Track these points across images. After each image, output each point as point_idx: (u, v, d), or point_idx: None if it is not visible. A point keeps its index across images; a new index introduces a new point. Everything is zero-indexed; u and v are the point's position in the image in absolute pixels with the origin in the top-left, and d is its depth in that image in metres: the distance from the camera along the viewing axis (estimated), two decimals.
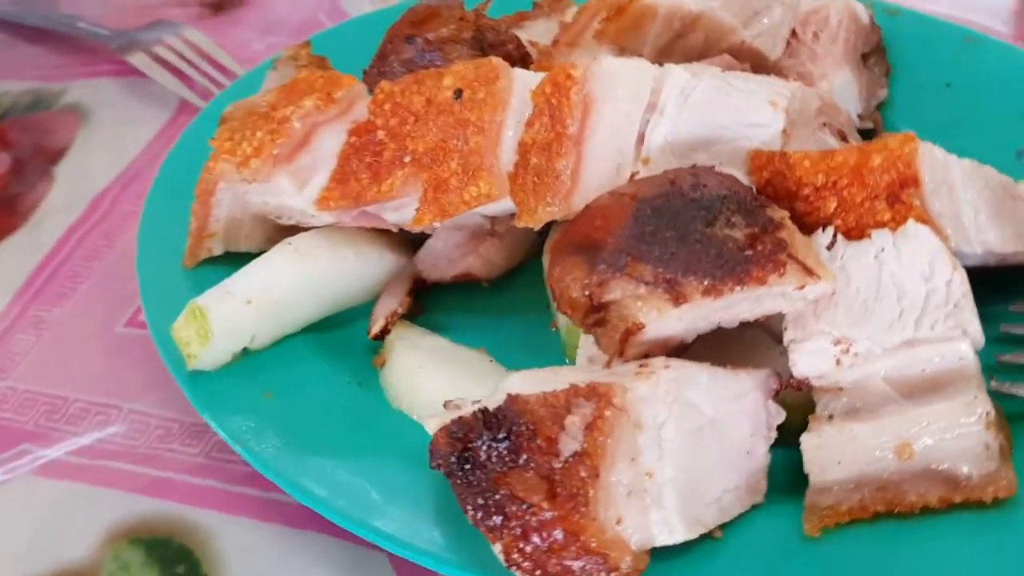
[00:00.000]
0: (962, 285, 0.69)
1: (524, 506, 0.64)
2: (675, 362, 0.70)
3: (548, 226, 0.95)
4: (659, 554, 0.67)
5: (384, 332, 0.92)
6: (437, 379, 0.85)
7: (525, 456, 0.65)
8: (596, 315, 0.71)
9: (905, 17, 0.99)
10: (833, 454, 0.68)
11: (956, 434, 0.66)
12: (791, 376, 0.72)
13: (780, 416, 0.72)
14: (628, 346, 0.70)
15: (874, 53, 0.95)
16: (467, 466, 0.66)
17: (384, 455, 0.81)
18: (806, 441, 0.69)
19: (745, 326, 0.75)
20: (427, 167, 0.84)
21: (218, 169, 0.92)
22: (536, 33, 1.01)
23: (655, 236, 0.70)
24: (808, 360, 0.71)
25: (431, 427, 0.72)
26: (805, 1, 0.94)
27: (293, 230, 0.95)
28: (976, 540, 0.65)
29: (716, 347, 0.76)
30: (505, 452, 0.65)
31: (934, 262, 0.69)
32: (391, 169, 0.86)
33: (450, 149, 0.83)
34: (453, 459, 0.67)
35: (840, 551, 0.67)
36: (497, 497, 0.65)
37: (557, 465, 0.64)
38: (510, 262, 0.96)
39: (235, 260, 0.98)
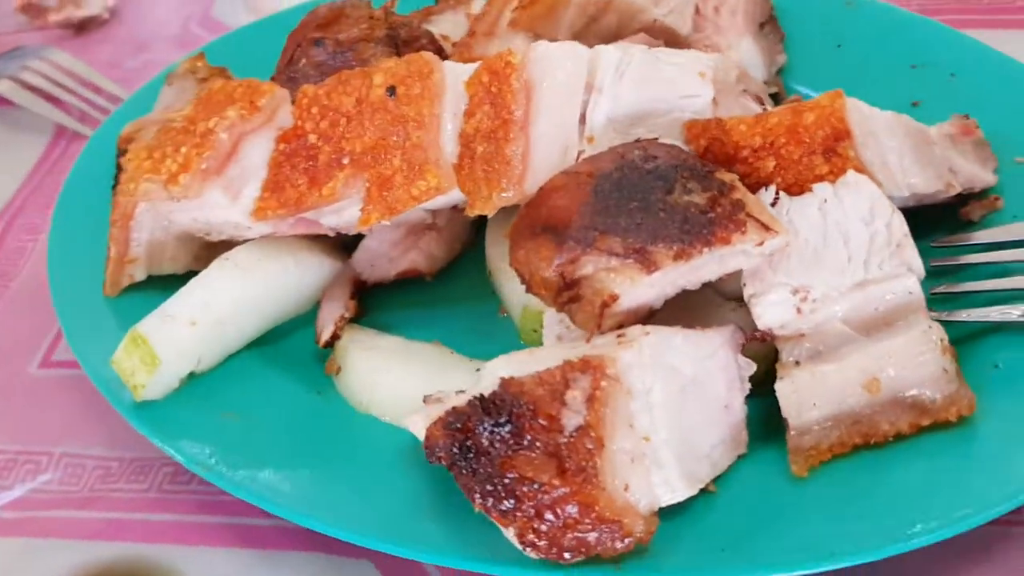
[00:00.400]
0: (902, 226, 0.74)
1: (535, 486, 0.65)
2: (651, 328, 0.72)
3: (482, 216, 0.96)
4: (663, 514, 0.69)
5: (334, 338, 0.91)
6: (399, 377, 0.85)
7: (529, 437, 0.66)
8: (569, 292, 0.73)
9: None
10: (808, 397, 0.73)
11: (917, 362, 0.71)
12: (755, 329, 0.76)
13: (750, 368, 0.75)
14: (604, 318, 0.72)
15: (768, 22, 1.00)
16: (470, 455, 0.67)
17: (358, 459, 0.80)
18: (780, 388, 0.73)
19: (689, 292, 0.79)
20: (368, 166, 0.84)
21: (140, 189, 0.89)
22: (444, 27, 1.01)
23: (619, 209, 0.72)
24: (771, 311, 0.74)
25: (414, 425, 0.72)
26: None
27: (220, 247, 0.93)
28: (947, 455, 0.71)
29: (674, 311, 0.79)
30: (508, 435, 0.66)
31: (874, 207, 0.74)
32: (330, 172, 0.85)
33: (391, 146, 0.83)
34: (455, 450, 0.67)
35: (827, 487, 0.71)
36: (506, 481, 0.66)
37: (562, 441, 0.66)
38: (450, 254, 0.97)
39: (157, 284, 0.95)
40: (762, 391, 0.76)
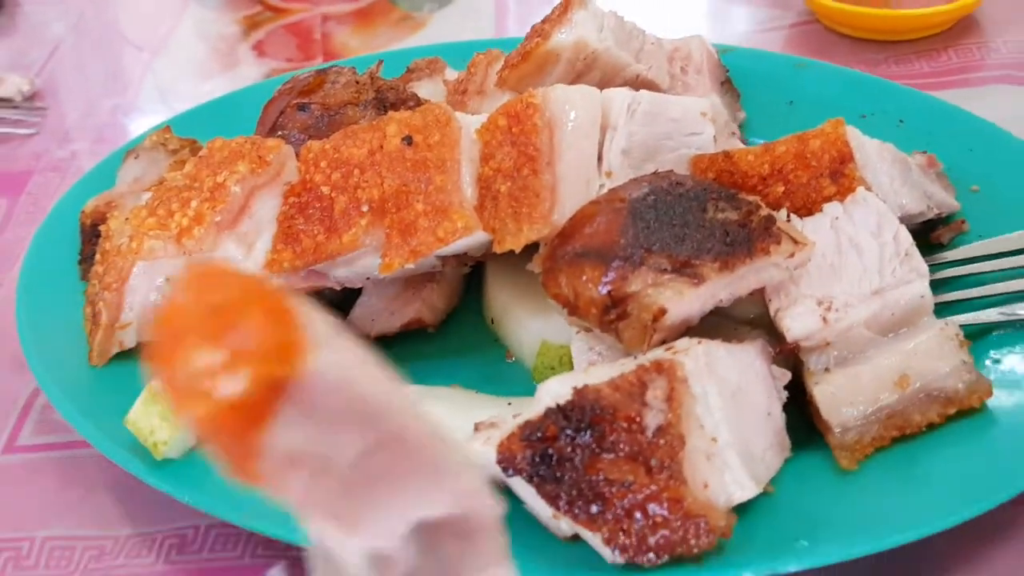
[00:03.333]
0: (907, 236, 0.81)
1: (623, 486, 0.66)
2: (701, 340, 0.76)
3: (479, 266, 0.98)
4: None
5: None
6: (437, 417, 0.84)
7: (612, 439, 0.67)
8: (616, 310, 0.76)
9: (740, 53, 1.15)
10: (846, 397, 0.77)
11: (940, 357, 0.77)
12: (778, 342, 0.81)
13: (786, 377, 0.79)
14: (654, 333, 0.75)
15: (725, 82, 1.09)
16: (552, 463, 0.67)
17: None
18: (819, 392, 0.78)
19: (707, 314, 0.83)
20: (389, 212, 0.85)
21: (145, 247, 0.87)
22: (423, 92, 1.05)
23: (660, 228, 0.76)
24: (799, 322, 0.79)
25: (476, 449, 0.72)
26: (666, 41, 1.06)
27: None
28: (975, 438, 0.76)
29: (696, 335, 0.82)
30: (591, 440, 0.67)
31: (881, 221, 0.81)
32: (348, 221, 0.86)
33: (412, 192, 0.85)
34: (536, 459, 0.67)
35: (875, 476, 0.75)
36: (593, 485, 0.66)
37: (645, 441, 0.67)
38: (449, 305, 0.98)
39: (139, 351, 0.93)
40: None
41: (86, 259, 1.03)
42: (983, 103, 1.21)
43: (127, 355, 0.93)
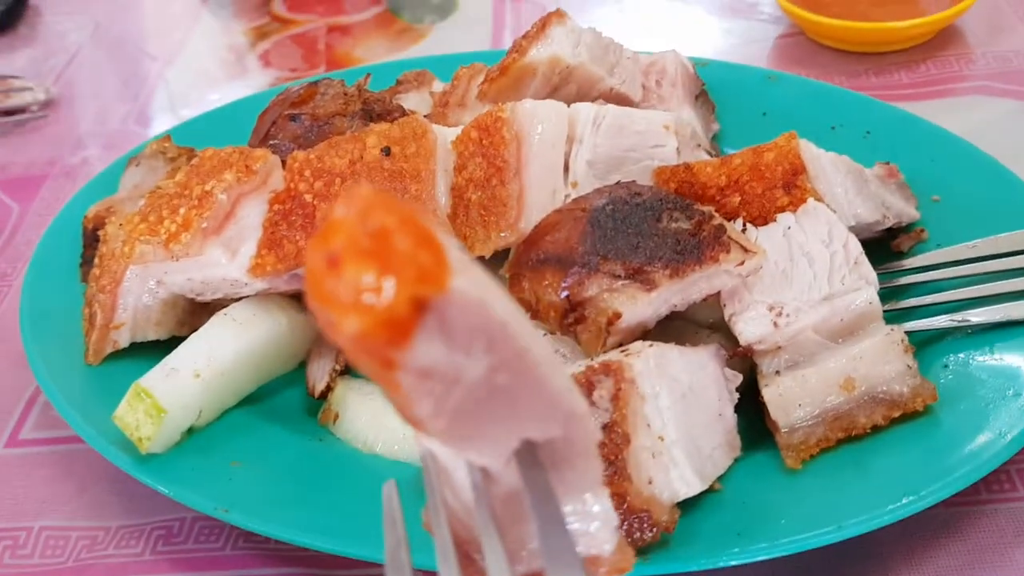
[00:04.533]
0: (856, 246, 0.84)
1: None
2: (652, 342, 0.79)
3: None
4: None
5: (328, 389, 0.94)
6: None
7: None
8: (574, 314, 0.80)
9: (715, 66, 1.18)
10: (793, 399, 0.81)
11: (885, 361, 0.80)
12: (735, 346, 0.84)
13: (737, 380, 0.83)
14: (609, 336, 0.79)
15: (700, 95, 1.13)
16: None
17: (377, 491, 0.83)
18: (767, 393, 0.81)
19: (671, 318, 0.87)
20: None
21: (136, 252, 0.92)
22: (410, 104, 1.10)
23: (616, 236, 0.80)
24: (751, 327, 0.83)
25: (425, 443, 0.76)
26: (643, 55, 1.10)
27: (204, 315, 0.96)
28: (918, 440, 0.79)
29: (657, 337, 0.86)
30: None
31: (831, 230, 0.85)
32: None
33: None
34: None
35: (819, 474, 0.79)
36: None
37: None
38: None
39: (133, 351, 0.97)
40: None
41: (87, 262, 1.08)
42: (960, 114, 1.24)
43: (122, 354, 0.98)
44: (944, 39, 1.38)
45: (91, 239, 1.08)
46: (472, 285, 0.37)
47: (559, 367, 0.43)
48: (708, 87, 1.14)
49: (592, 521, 0.47)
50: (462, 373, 0.39)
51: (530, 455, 0.44)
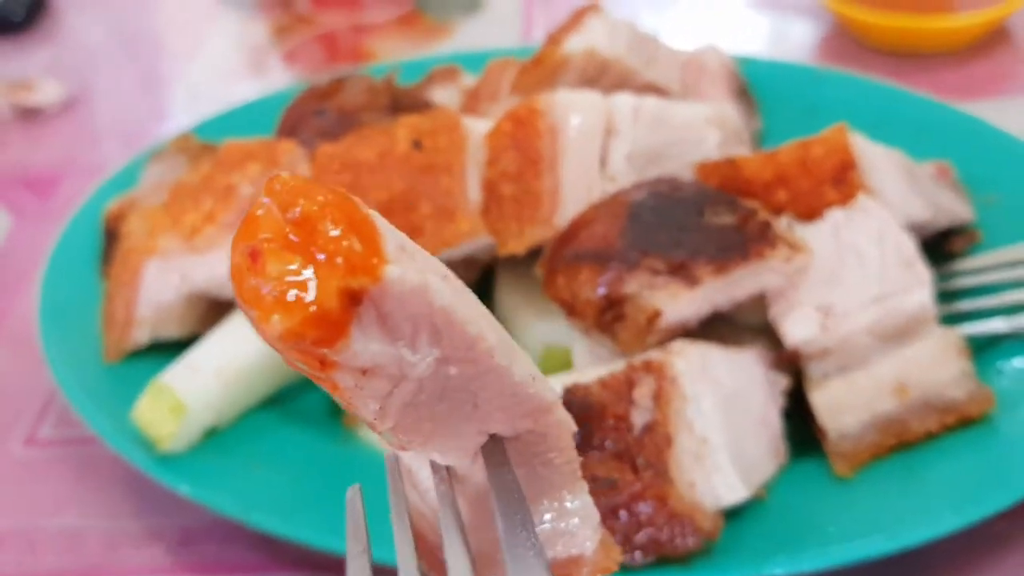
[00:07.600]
0: (910, 244, 0.80)
1: (608, 484, 0.66)
2: (695, 341, 0.76)
3: (491, 270, 0.99)
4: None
5: None
6: None
7: (599, 437, 0.68)
8: (612, 311, 0.76)
9: (758, 63, 1.15)
10: (843, 404, 0.77)
11: (940, 365, 0.76)
12: (780, 350, 0.80)
13: (783, 383, 0.79)
14: (649, 335, 0.75)
15: (741, 92, 1.09)
16: None
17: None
18: (816, 398, 0.77)
19: (711, 321, 0.83)
20: (396, 214, 0.86)
21: (159, 246, 0.89)
22: (438, 99, 1.06)
23: (657, 231, 0.77)
24: (797, 328, 0.79)
25: None
26: (681, 51, 1.07)
27: (224, 312, 0.93)
28: (974, 448, 0.75)
29: (698, 339, 0.82)
30: (577, 438, 0.67)
31: (883, 228, 0.81)
32: None
33: (419, 194, 0.86)
34: None
35: (870, 483, 0.75)
36: None
37: (632, 439, 0.68)
38: None
39: (152, 350, 0.94)
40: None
41: (107, 258, 1.06)
42: (1011, 115, 1.19)
43: (141, 353, 0.95)
44: (993, 39, 1.34)
45: (112, 235, 1.06)
46: (412, 271, 0.34)
47: (520, 356, 0.39)
48: (750, 84, 1.11)
49: (570, 518, 0.43)
50: (408, 369, 0.35)
51: (497, 452, 0.40)
